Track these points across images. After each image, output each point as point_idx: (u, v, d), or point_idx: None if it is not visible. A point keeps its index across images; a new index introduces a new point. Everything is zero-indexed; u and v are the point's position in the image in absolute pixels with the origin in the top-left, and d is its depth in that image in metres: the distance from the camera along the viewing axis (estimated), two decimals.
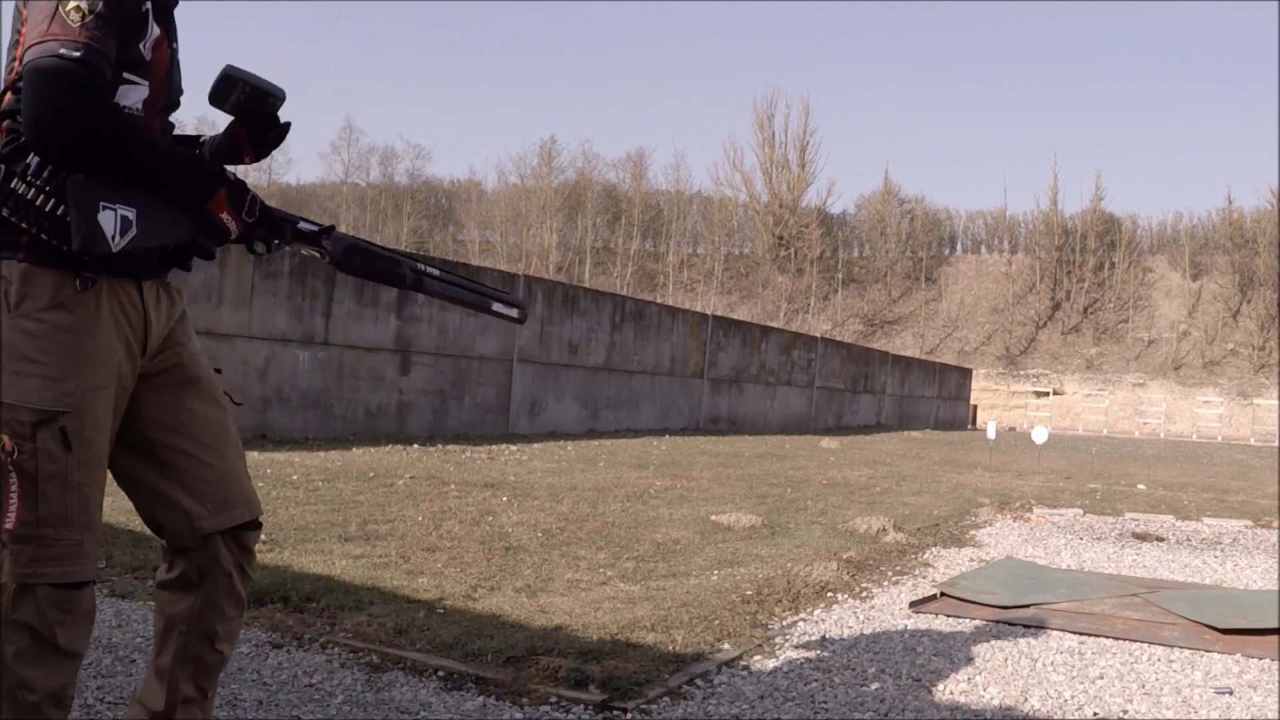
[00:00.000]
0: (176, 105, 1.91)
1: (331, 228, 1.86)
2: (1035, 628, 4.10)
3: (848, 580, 4.83)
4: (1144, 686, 3.34)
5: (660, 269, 63.55)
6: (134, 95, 1.72)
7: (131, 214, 1.62)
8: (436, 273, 1.89)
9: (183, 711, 1.94)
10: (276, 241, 1.82)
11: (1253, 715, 3.09)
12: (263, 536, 4.79)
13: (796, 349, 24.74)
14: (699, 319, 20.67)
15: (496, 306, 1.92)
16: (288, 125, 1.90)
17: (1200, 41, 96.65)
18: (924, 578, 5.14)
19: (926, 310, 60.50)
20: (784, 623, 3.95)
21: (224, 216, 1.73)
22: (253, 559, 2.00)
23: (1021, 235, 64.48)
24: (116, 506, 5.36)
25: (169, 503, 1.90)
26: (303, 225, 1.85)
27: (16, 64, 1.64)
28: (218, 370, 2.01)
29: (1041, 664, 3.56)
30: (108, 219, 1.59)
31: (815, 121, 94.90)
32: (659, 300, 41.73)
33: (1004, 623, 4.16)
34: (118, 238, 1.60)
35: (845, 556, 5.38)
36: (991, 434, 16.29)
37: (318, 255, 1.85)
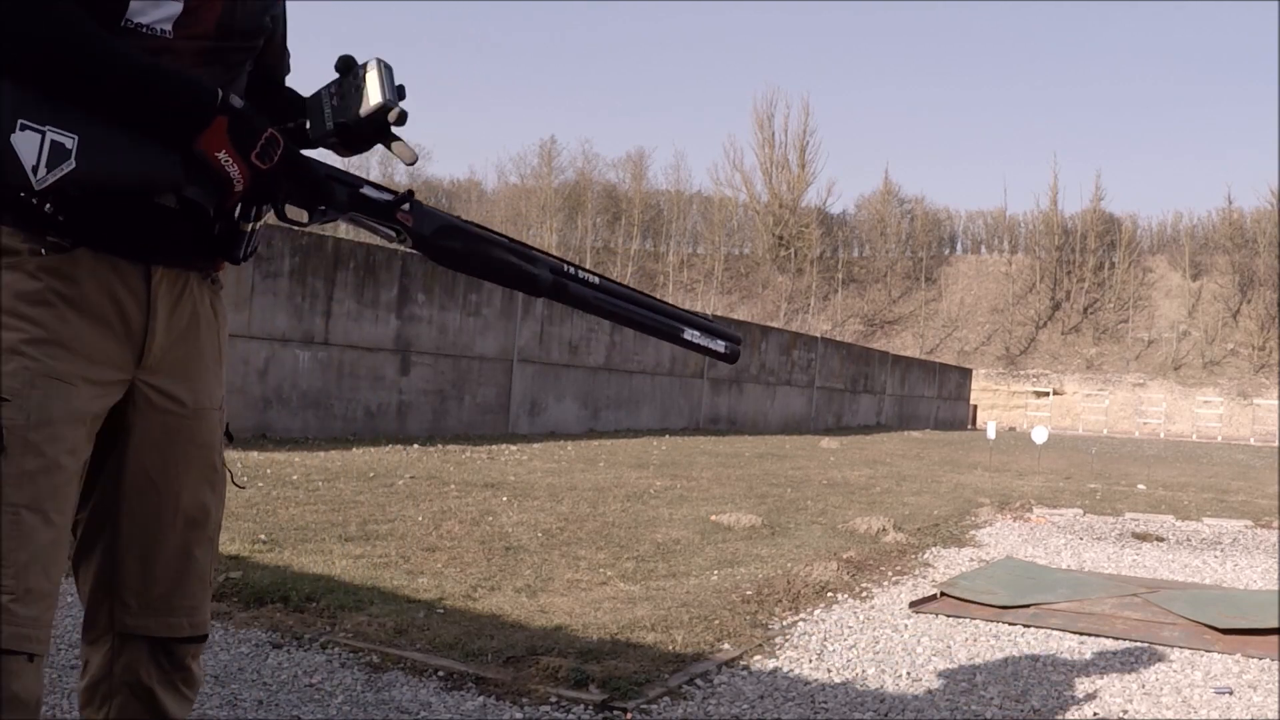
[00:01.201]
0: (250, 38, 1.39)
1: (411, 194, 1.34)
2: (1035, 628, 4.10)
3: (848, 580, 4.83)
4: (1144, 686, 3.34)
5: (660, 269, 63.55)
6: (158, 10, 1.24)
7: (70, 140, 1.14)
8: (596, 279, 1.33)
9: None
10: (323, 208, 1.29)
11: (1253, 715, 3.09)
12: (262, 536, 4.80)
13: (796, 349, 24.73)
14: None
15: (689, 334, 1.35)
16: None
17: (1200, 41, 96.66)
18: (924, 578, 5.14)
19: (926, 310, 60.49)
20: (784, 623, 3.95)
21: (221, 157, 1.21)
22: (190, 675, 1.46)
23: (1021, 235, 64.48)
24: None
25: (93, 568, 1.40)
26: (368, 190, 1.31)
27: None
28: (229, 437, 1.48)
29: (1041, 664, 3.56)
30: (27, 143, 1.12)
31: (815, 121, 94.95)
32: (659, 300, 41.67)
33: (1004, 623, 4.16)
34: (42, 170, 1.12)
35: (845, 556, 5.38)
36: (991, 434, 16.29)
37: (393, 235, 1.33)
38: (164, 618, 1.41)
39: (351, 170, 1.36)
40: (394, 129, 1.31)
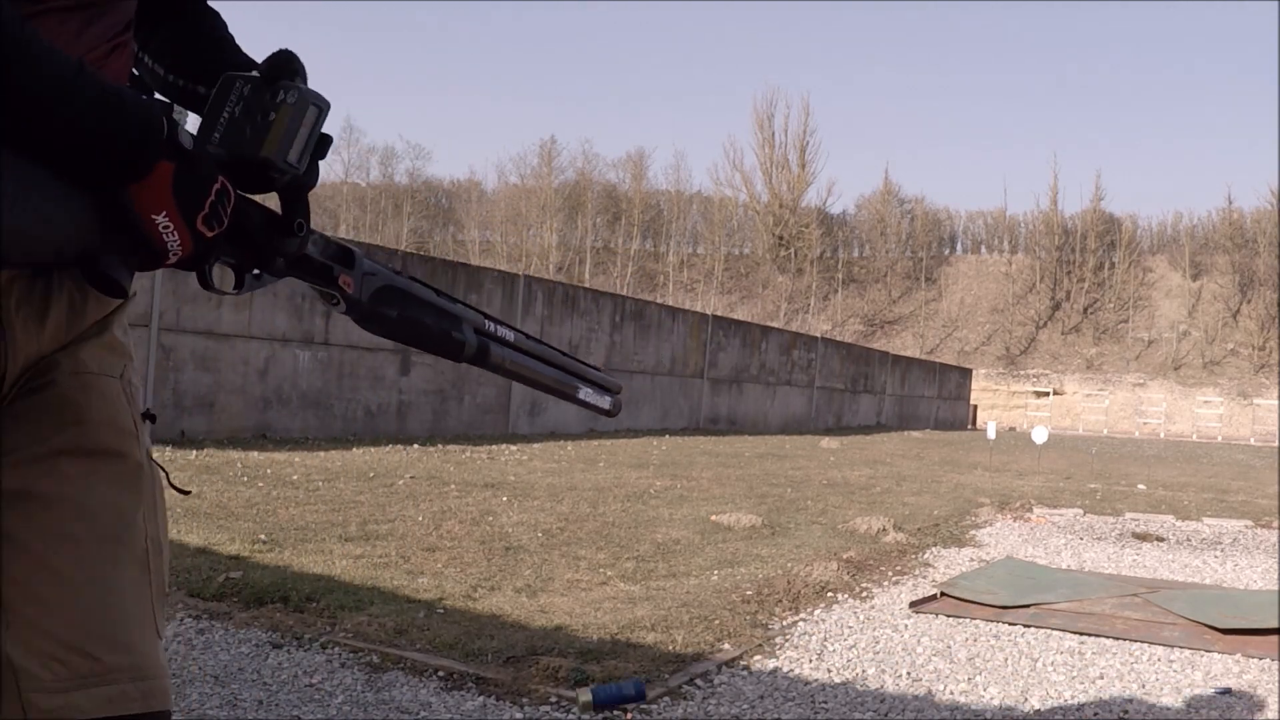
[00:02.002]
0: (170, 9, 1.08)
1: (353, 254, 1.05)
2: (1035, 628, 4.10)
3: (848, 580, 4.83)
4: (1144, 686, 3.34)
5: (660, 269, 63.55)
6: None
7: None
8: (510, 336, 1.14)
9: None
10: (257, 272, 1.00)
11: (1253, 715, 3.09)
12: (262, 536, 4.80)
13: (796, 349, 24.73)
14: (699, 319, 20.67)
15: (583, 393, 1.23)
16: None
17: (1201, 41, 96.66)
18: (924, 578, 5.14)
19: (926, 310, 60.49)
20: (784, 623, 3.95)
21: (160, 221, 0.85)
22: None
23: (1021, 235, 64.49)
24: None
25: None
26: (311, 250, 1.01)
27: None
28: (148, 418, 1.03)
29: (1041, 664, 3.56)
30: None
31: (815, 121, 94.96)
32: (659, 300, 41.73)
33: (1004, 623, 4.16)
34: None
35: (845, 556, 5.38)
36: (991, 434, 16.29)
37: (331, 300, 1.05)
38: (98, 689, 0.87)
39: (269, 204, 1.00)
40: (286, 193, 0.96)
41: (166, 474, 1.04)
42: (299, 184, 0.96)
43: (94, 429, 0.94)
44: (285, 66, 0.96)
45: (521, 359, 1.17)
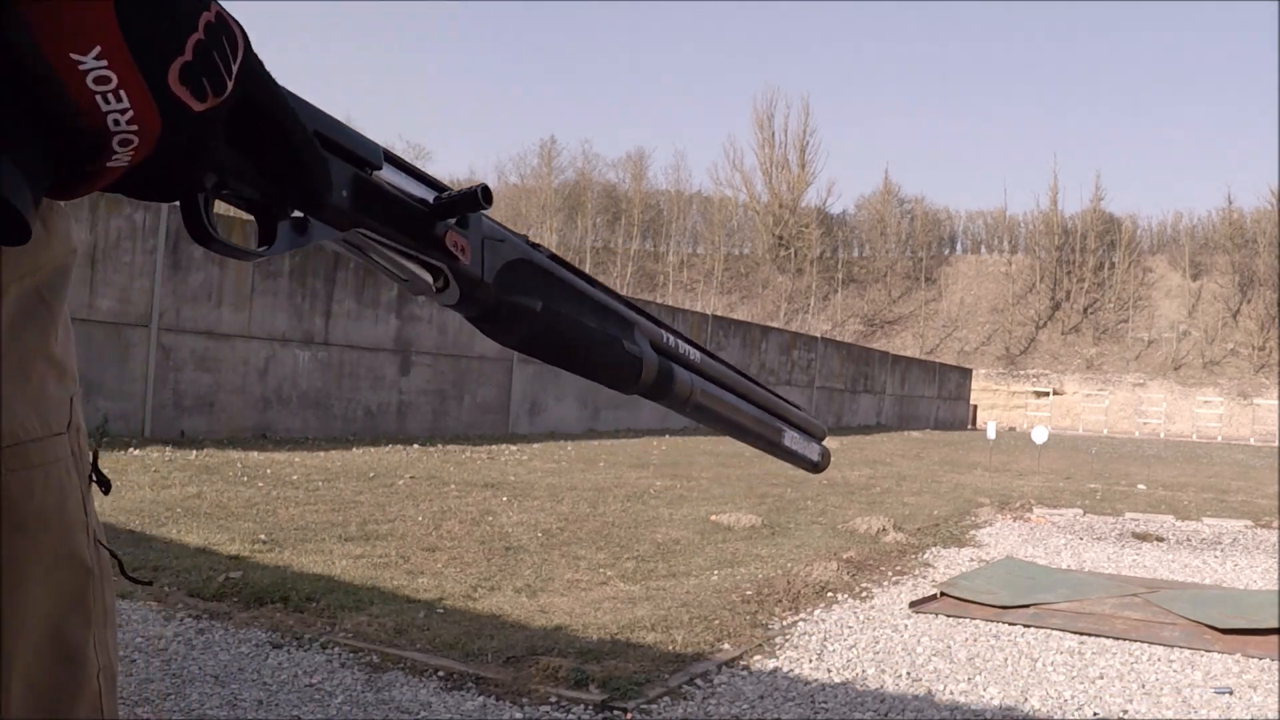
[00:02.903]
0: None
1: (472, 194, 0.60)
2: (1035, 628, 4.10)
3: (848, 580, 4.83)
4: (1144, 686, 3.34)
5: (660, 269, 63.55)
6: None
7: None
8: (696, 358, 0.79)
9: None
10: (299, 215, 0.53)
11: (1253, 715, 3.09)
12: (262, 536, 4.80)
13: (796, 349, 24.74)
14: (699, 319, 20.67)
15: (789, 439, 0.88)
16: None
17: (1201, 41, 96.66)
18: (924, 578, 5.14)
19: (926, 310, 60.49)
20: (784, 623, 3.95)
21: (86, 67, 0.41)
22: None
23: (1021, 235, 64.49)
24: (116, 506, 5.37)
25: None
26: (391, 176, 0.58)
27: None
28: (99, 481, 0.68)
29: (1041, 664, 3.56)
30: None
31: (815, 121, 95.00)
32: (659, 300, 41.76)
33: (1004, 623, 4.16)
34: None
35: (845, 556, 5.38)
36: (991, 434, 16.28)
37: (434, 283, 0.62)
38: None
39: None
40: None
41: (119, 560, 0.72)
42: None
43: (31, 534, 0.60)
44: None
45: (716, 391, 0.80)
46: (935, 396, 35.20)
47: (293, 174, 0.51)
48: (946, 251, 66.14)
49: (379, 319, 12.58)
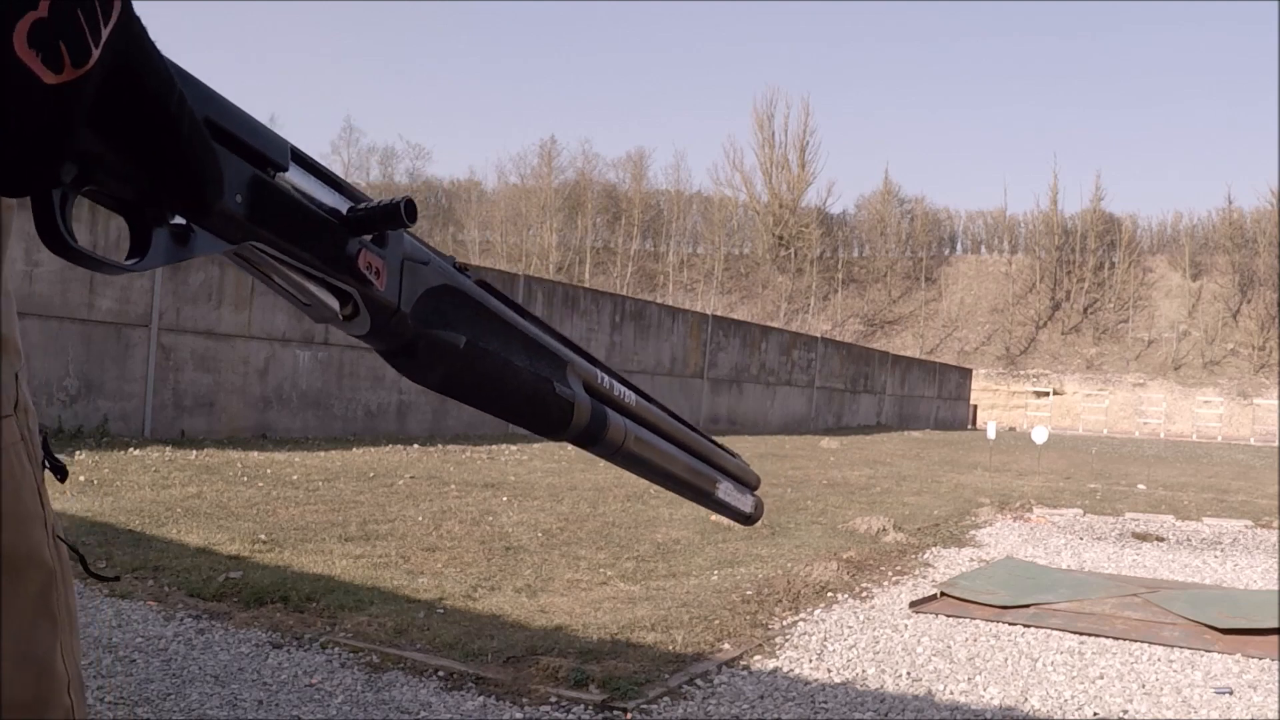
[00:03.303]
0: None
1: (394, 208, 0.50)
2: (1035, 628, 4.10)
3: (848, 580, 4.83)
4: (1144, 686, 3.34)
5: (660, 269, 63.54)
6: None
7: None
8: (632, 400, 0.73)
9: None
10: (181, 222, 0.44)
11: (1253, 715, 3.09)
12: (262, 536, 4.80)
13: (796, 349, 24.73)
14: (699, 319, 20.67)
15: (722, 490, 0.83)
16: None
17: (1201, 41, 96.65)
18: (924, 578, 5.14)
19: (926, 310, 60.50)
20: (784, 623, 3.95)
21: None
22: None
23: (1021, 235, 64.50)
24: (116, 506, 5.38)
25: None
26: (299, 187, 0.48)
27: None
28: (54, 468, 0.62)
29: (1041, 664, 3.56)
30: None
31: (815, 121, 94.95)
32: (659, 300, 41.72)
33: (1004, 623, 4.16)
34: None
35: (845, 556, 5.38)
36: (991, 434, 16.28)
37: (341, 309, 0.53)
38: None
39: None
40: None
41: (81, 557, 0.64)
42: None
43: None
44: None
45: (649, 439, 0.73)
46: (935, 396, 35.21)
47: (175, 171, 0.41)
48: (946, 251, 66.14)
49: None
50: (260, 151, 0.45)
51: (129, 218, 0.43)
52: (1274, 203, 55.72)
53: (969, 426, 37.86)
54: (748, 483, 0.87)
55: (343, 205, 0.51)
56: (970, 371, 41.72)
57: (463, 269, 0.59)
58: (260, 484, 6.83)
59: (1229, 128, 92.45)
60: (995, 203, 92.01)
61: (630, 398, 0.71)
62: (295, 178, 0.48)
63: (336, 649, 3.17)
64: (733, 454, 0.85)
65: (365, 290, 0.51)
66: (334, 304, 0.52)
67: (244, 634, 3.29)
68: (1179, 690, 3.31)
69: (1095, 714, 3.03)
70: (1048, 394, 49.66)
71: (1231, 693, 3.29)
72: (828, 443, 17.84)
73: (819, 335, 29.73)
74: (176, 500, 5.83)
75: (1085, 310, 59.47)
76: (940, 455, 16.32)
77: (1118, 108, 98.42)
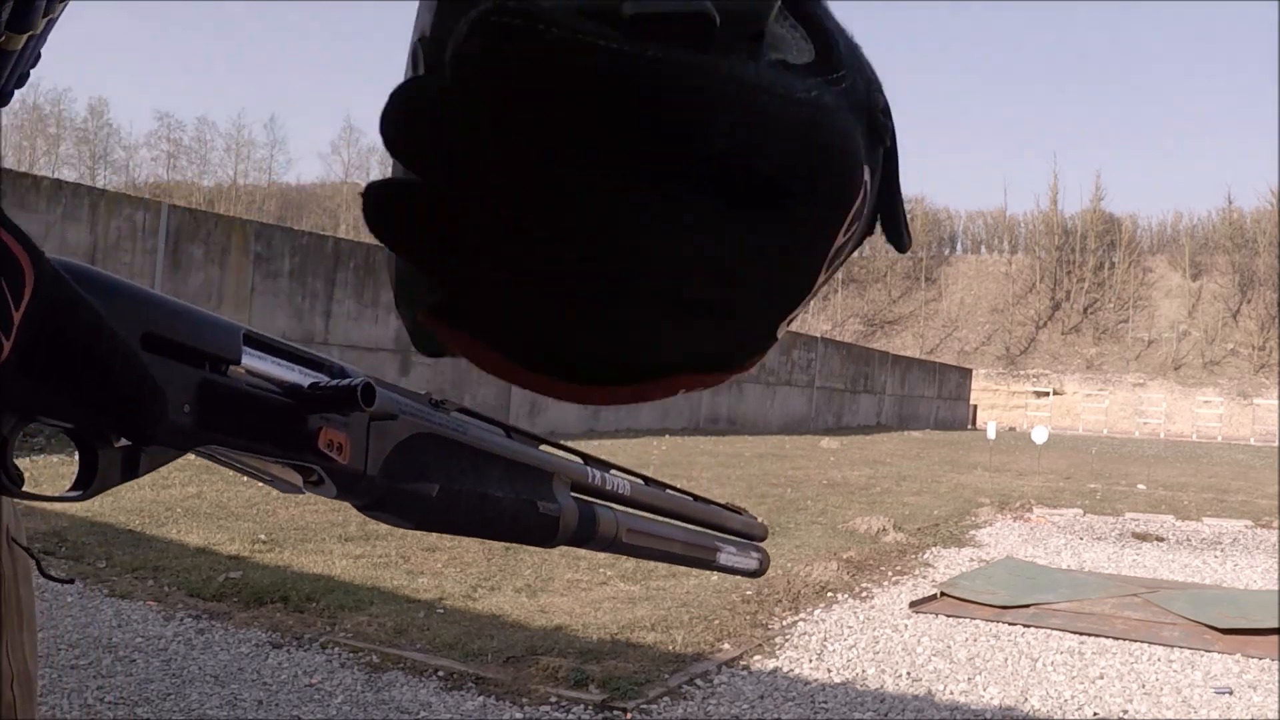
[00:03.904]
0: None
1: (350, 389, 0.47)
2: (1035, 628, 4.10)
3: (848, 580, 4.83)
4: (1144, 686, 3.34)
5: None
6: None
7: None
8: (626, 489, 0.71)
9: None
10: (124, 443, 0.43)
11: (1253, 715, 3.09)
12: (262, 536, 4.80)
13: (796, 349, 24.73)
14: None
15: (724, 556, 0.84)
16: None
17: (1201, 41, 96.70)
18: (924, 578, 5.14)
19: (926, 310, 60.52)
20: (784, 623, 3.95)
21: None
22: None
23: (1021, 235, 64.56)
24: (116, 506, 5.38)
25: None
26: (247, 378, 0.47)
27: None
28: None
29: (1041, 664, 3.56)
30: None
31: None
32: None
33: (1004, 623, 4.16)
34: None
35: (845, 556, 5.38)
36: (991, 434, 16.28)
37: (307, 479, 0.52)
38: None
39: None
40: None
41: (36, 560, 0.63)
42: None
43: None
44: None
45: (644, 526, 0.74)
46: (935, 396, 35.21)
47: (110, 404, 0.40)
48: (946, 251, 66.19)
49: (379, 319, 12.58)
50: (208, 351, 0.45)
51: (77, 444, 0.43)
52: (1274, 203, 55.75)
53: (969, 426, 37.87)
54: (754, 536, 0.87)
55: (303, 379, 0.50)
56: (970, 371, 41.73)
57: (439, 405, 0.58)
58: (260, 484, 6.82)
59: (1229, 128, 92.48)
60: (995, 203, 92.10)
61: (624, 486, 0.71)
62: (251, 362, 0.47)
63: (336, 649, 3.17)
64: (738, 510, 0.86)
65: (327, 465, 0.50)
66: (295, 479, 0.52)
67: (244, 634, 3.29)
68: (1179, 690, 3.31)
69: (1095, 714, 3.03)
70: (1048, 394, 49.68)
71: (1231, 693, 3.29)
72: (828, 443, 17.84)
73: (819, 335, 29.75)
74: (176, 500, 5.83)
75: (1085, 310, 59.49)
76: (940, 455, 16.32)
77: (1118, 108, 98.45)
